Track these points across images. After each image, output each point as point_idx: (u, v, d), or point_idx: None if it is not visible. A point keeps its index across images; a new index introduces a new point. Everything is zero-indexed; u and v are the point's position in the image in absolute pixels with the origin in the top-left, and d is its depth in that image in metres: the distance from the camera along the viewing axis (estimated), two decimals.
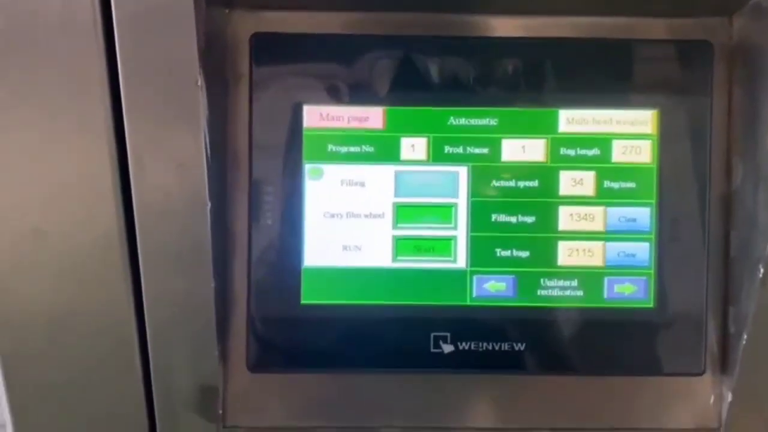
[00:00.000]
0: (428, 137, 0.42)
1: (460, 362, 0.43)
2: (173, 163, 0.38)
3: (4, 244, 0.39)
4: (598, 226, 0.43)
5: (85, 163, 0.38)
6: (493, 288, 0.43)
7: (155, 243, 0.39)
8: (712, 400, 0.44)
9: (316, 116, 0.42)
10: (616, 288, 0.43)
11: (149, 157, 0.38)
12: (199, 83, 0.37)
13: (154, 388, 0.41)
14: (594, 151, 0.43)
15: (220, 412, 0.42)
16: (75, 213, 0.39)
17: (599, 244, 0.43)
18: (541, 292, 0.43)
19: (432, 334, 0.43)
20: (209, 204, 0.38)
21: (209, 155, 0.38)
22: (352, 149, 0.42)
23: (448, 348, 0.43)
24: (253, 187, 0.42)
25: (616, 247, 0.43)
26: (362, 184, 0.43)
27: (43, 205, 0.39)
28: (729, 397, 0.43)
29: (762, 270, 0.40)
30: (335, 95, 0.42)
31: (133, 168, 0.38)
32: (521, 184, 0.43)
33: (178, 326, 0.40)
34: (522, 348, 0.43)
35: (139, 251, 0.39)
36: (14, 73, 0.37)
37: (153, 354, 0.40)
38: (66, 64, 0.37)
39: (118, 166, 0.38)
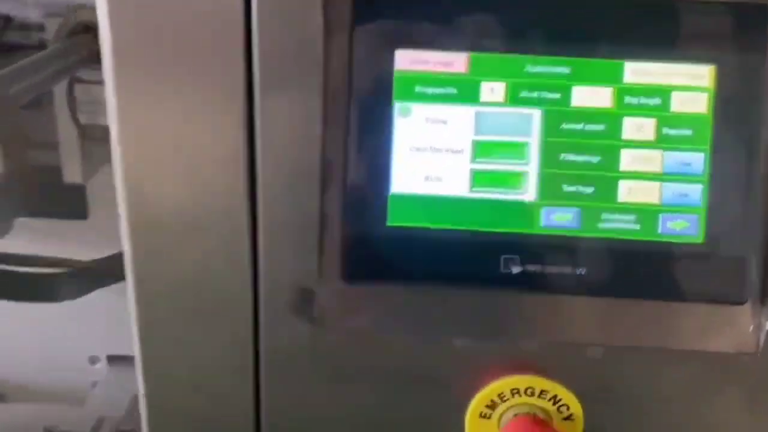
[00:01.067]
0: (506, 82, 0.47)
1: (526, 283, 0.48)
2: (293, 93, 0.44)
3: (146, 157, 0.46)
4: (656, 167, 0.48)
5: (216, 89, 0.44)
6: (559, 219, 0.48)
7: (273, 163, 0.45)
8: (751, 328, 0.48)
9: (407, 60, 0.47)
10: (669, 224, 0.48)
11: (274, 89, 0.44)
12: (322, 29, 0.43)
13: (260, 287, 0.47)
14: (655, 101, 0.47)
15: (315, 315, 0.48)
16: (205, 133, 0.45)
17: (656, 184, 0.48)
18: (601, 225, 0.48)
19: (502, 257, 0.48)
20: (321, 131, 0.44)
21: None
22: (437, 90, 0.47)
23: (516, 269, 0.48)
24: (348, 121, 0.47)
25: (671, 188, 0.48)
26: (445, 122, 0.48)
27: (179, 126, 0.45)
28: (767, 326, 0.47)
29: None
30: (424, 41, 0.47)
31: (258, 97, 0.44)
32: (588, 127, 0.47)
33: (286, 233, 0.46)
34: (582, 273, 0.48)
35: (258, 168, 0.45)
36: (163, 39, 0.44)
37: (262, 255, 0.47)
38: (209, 19, 0.44)
39: (245, 94, 0.44)
